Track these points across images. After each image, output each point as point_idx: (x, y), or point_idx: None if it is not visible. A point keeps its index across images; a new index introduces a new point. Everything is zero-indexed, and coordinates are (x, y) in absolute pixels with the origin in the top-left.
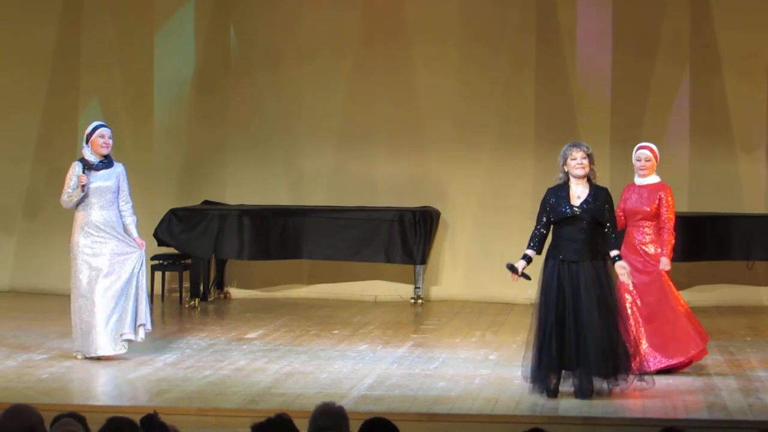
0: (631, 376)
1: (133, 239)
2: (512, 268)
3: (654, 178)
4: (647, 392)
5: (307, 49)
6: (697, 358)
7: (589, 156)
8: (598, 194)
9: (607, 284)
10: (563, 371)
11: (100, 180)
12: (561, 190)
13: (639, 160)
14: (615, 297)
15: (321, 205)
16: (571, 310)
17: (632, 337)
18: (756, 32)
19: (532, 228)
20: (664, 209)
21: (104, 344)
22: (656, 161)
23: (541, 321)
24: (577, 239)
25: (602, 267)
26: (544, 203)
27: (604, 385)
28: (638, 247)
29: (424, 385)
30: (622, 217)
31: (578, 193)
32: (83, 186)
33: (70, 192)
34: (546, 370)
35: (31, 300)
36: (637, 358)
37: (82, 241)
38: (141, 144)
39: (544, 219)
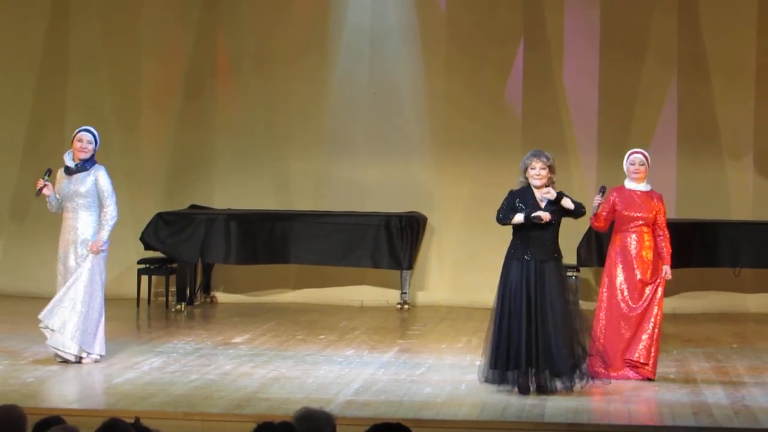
0: (588, 375)
1: (93, 241)
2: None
3: (647, 185)
4: (634, 399)
5: (294, 54)
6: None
7: (550, 167)
8: (557, 196)
9: (565, 283)
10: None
11: (74, 184)
12: (525, 194)
13: (633, 164)
14: (575, 296)
15: (308, 210)
16: (538, 308)
17: (593, 337)
18: (744, 38)
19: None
20: (662, 218)
21: (63, 345)
22: (648, 167)
23: (506, 320)
24: (547, 240)
25: (562, 267)
26: (511, 200)
27: (563, 383)
28: (635, 252)
29: (410, 391)
30: (607, 218)
31: (541, 198)
32: (39, 190)
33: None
34: (513, 367)
35: (18, 303)
36: (597, 357)
37: (60, 244)
38: (128, 148)
39: (512, 208)
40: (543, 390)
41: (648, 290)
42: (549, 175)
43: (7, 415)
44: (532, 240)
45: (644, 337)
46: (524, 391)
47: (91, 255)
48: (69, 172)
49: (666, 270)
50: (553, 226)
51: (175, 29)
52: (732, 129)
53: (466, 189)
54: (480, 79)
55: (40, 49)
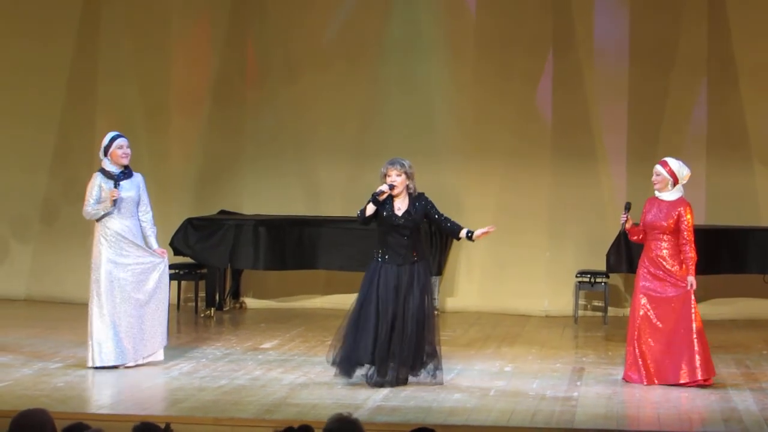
0: (438, 371)
1: (154, 250)
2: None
3: (673, 194)
4: (663, 405)
5: (323, 62)
6: (690, 385)
7: (406, 173)
8: (417, 203)
9: (423, 285)
10: (372, 361)
11: (123, 191)
12: (385, 201)
13: (652, 176)
14: (429, 297)
15: (337, 216)
16: (389, 307)
17: (629, 343)
18: None
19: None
20: (684, 227)
21: (122, 354)
22: (673, 177)
23: (360, 315)
24: (401, 245)
25: (420, 270)
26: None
27: (407, 376)
28: (657, 261)
29: (439, 397)
30: (642, 230)
31: (399, 205)
32: (114, 200)
33: (93, 203)
34: (357, 359)
35: (47, 308)
36: (632, 365)
37: (104, 252)
38: (158, 154)
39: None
40: (394, 382)
41: (675, 304)
42: (406, 182)
43: (35, 419)
44: (389, 245)
45: (695, 356)
46: (375, 384)
47: (164, 261)
48: (114, 178)
49: (690, 281)
50: (410, 234)
51: (204, 36)
52: (762, 135)
53: (496, 195)
54: (509, 87)
55: (69, 57)
